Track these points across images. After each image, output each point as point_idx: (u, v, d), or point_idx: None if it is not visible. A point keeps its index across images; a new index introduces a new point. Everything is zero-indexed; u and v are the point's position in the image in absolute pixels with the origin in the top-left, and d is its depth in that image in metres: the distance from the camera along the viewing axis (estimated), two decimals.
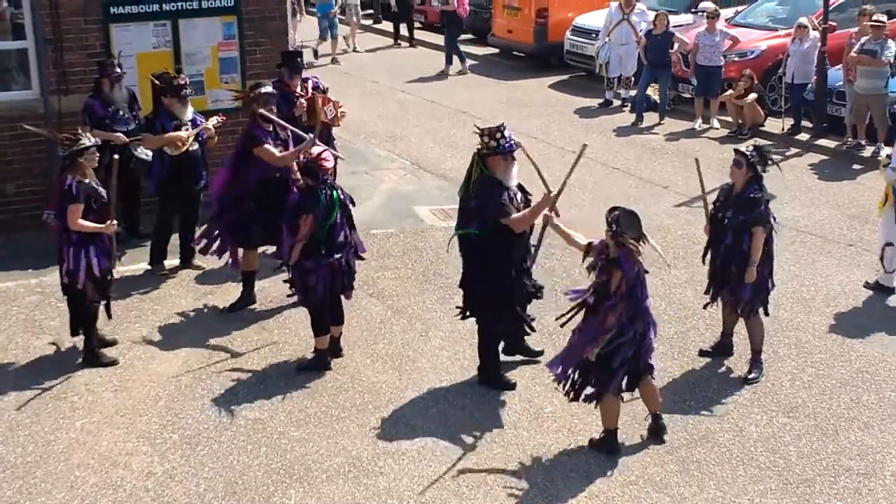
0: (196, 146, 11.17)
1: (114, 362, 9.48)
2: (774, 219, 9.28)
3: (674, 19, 18.76)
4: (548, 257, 11.48)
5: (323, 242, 9.04)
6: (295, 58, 12.03)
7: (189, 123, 11.16)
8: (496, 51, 23.70)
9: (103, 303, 9.47)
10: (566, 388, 8.19)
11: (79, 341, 9.54)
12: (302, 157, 9.64)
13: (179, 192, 11.25)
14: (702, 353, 9.69)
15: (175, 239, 11.47)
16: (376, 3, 27.67)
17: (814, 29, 16.50)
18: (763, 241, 9.05)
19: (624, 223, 7.78)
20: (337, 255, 9.12)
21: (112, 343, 9.76)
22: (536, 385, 9.04)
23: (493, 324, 8.99)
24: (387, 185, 14.61)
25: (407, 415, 8.74)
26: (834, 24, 16.81)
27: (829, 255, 12.09)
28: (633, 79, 18.94)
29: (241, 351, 9.77)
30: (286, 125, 10.71)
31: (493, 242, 8.70)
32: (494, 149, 8.70)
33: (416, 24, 25.72)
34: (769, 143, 16.08)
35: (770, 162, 9.33)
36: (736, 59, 17.99)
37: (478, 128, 8.94)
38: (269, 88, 10.68)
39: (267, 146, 10.33)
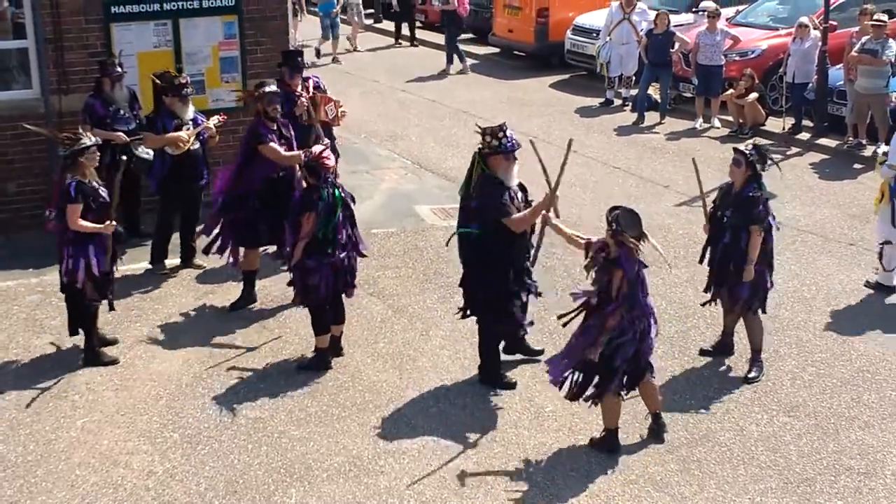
0: (197, 145, 11.17)
1: (114, 361, 9.49)
2: (773, 217, 9.29)
3: (675, 18, 18.76)
4: (548, 256, 11.48)
5: (326, 241, 9.04)
6: (296, 57, 12.02)
7: (190, 123, 11.16)
8: (497, 50, 23.70)
9: (104, 301, 9.48)
10: (567, 388, 8.19)
11: (79, 340, 9.54)
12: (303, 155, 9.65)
13: (180, 192, 11.25)
14: (702, 353, 9.70)
15: (176, 238, 11.48)
16: (377, 2, 27.67)
17: (814, 28, 16.50)
18: (761, 240, 9.06)
19: (624, 222, 7.78)
20: (340, 254, 9.13)
21: (113, 342, 9.77)
22: (537, 384, 9.04)
23: (494, 323, 8.99)
24: (387, 185, 14.61)
25: (407, 414, 8.74)
26: (835, 23, 16.81)
27: (829, 255, 12.09)
28: (633, 78, 18.95)
29: (242, 350, 9.77)
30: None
31: (493, 242, 8.70)
32: (496, 148, 8.70)
33: (417, 24, 25.72)
34: (770, 142, 16.06)
35: (769, 161, 9.34)
36: (737, 58, 17.99)
37: (479, 127, 8.94)
38: (273, 87, 10.68)
39: (272, 145, 10.34)
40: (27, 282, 11.05)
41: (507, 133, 8.71)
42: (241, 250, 10.58)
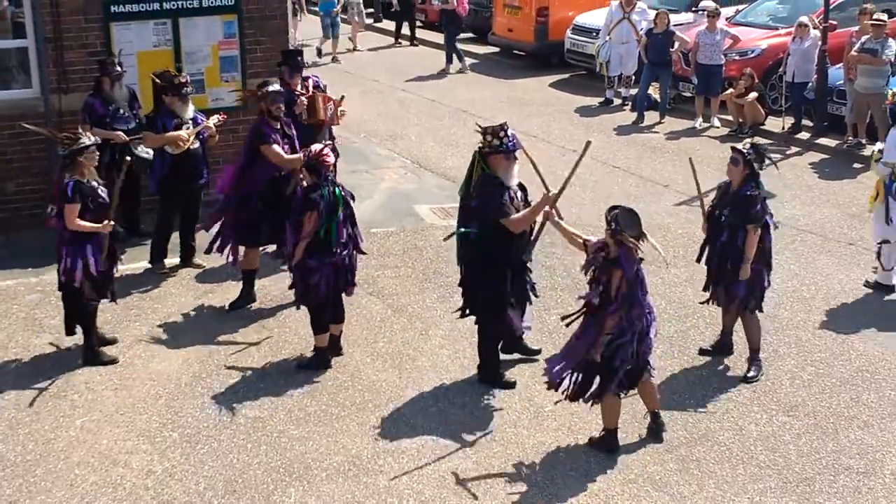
0: (197, 145, 11.17)
1: (114, 361, 9.49)
2: (771, 216, 9.29)
3: (674, 18, 18.76)
4: (548, 256, 11.49)
5: (328, 240, 9.03)
6: (295, 56, 12.03)
7: (190, 122, 11.16)
8: (497, 49, 23.69)
9: (105, 299, 9.48)
10: (565, 387, 8.18)
11: (79, 340, 9.54)
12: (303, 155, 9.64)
13: (180, 191, 11.25)
14: (702, 352, 9.70)
15: (175, 237, 11.48)
16: (377, 2, 27.66)
17: (814, 28, 16.50)
18: (758, 239, 9.07)
19: (624, 222, 7.78)
20: (342, 253, 9.14)
21: (112, 341, 9.77)
22: (536, 384, 9.04)
23: (493, 323, 8.99)
24: (387, 184, 14.61)
25: (407, 413, 8.74)
26: (834, 22, 16.81)
27: (829, 254, 12.09)
28: (633, 77, 18.94)
29: (241, 349, 9.77)
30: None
31: (493, 242, 8.69)
32: (497, 147, 8.69)
33: (417, 23, 25.71)
34: (770, 141, 16.08)
35: (766, 159, 9.35)
36: (736, 57, 17.98)
37: (480, 126, 8.93)
38: (277, 86, 10.69)
39: (274, 147, 10.33)
40: (27, 281, 11.05)
41: (508, 132, 8.70)
42: (241, 249, 10.59)
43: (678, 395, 9.00)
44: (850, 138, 15.86)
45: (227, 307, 10.56)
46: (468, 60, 22.30)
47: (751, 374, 9.28)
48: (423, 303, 10.75)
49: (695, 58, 17.45)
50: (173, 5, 12.77)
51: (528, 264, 9.04)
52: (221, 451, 8.20)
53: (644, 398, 8.35)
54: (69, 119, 11.80)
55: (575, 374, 8.11)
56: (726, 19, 18.66)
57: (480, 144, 8.79)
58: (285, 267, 10.05)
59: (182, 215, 11.39)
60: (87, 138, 9.26)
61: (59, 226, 9.18)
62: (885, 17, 15.52)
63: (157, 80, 11.32)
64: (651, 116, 17.91)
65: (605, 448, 8.16)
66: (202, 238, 11.19)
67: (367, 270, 10.97)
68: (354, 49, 24.58)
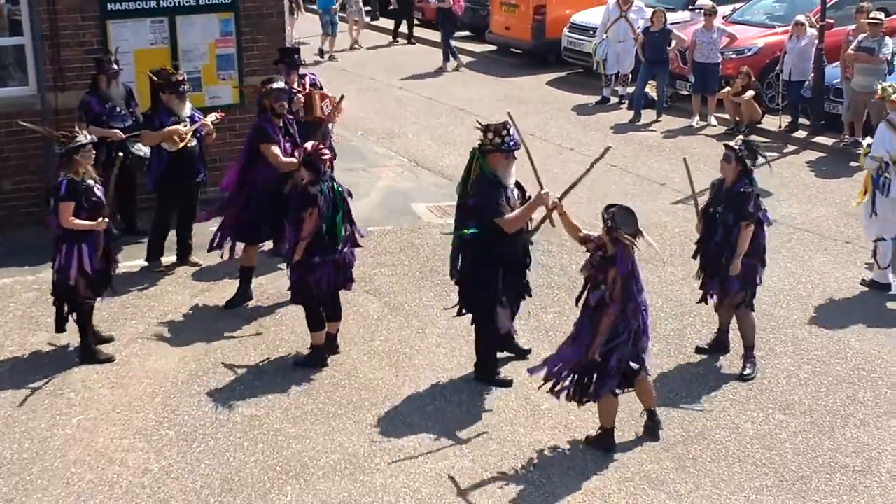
0: (194, 142, 11.16)
1: (110, 359, 9.48)
2: (765, 212, 9.30)
3: (671, 16, 18.76)
4: (546, 255, 11.49)
5: (330, 236, 9.03)
6: (292, 54, 12.02)
7: (187, 119, 11.15)
8: (494, 48, 23.68)
9: (100, 298, 9.48)
10: (567, 390, 8.17)
11: (75, 338, 9.53)
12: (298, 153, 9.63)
13: (177, 189, 11.23)
14: (698, 350, 9.71)
15: (172, 235, 11.47)
16: (374, 0, 27.65)
17: (811, 26, 16.50)
18: (751, 235, 9.07)
19: (620, 220, 7.78)
20: (343, 249, 9.14)
21: (108, 339, 9.76)
22: (533, 382, 9.01)
23: (490, 321, 8.98)
24: (384, 182, 14.60)
25: (404, 411, 8.74)
26: (831, 21, 16.82)
27: (825, 253, 12.10)
28: (630, 76, 18.94)
29: (238, 347, 9.77)
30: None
31: (490, 241, 8.68)
32: (498, 146, 8.67)
33: (414, 22, 25.69)
34: (766, 140, 16.10)
35: (759, 156, 9.35)
36: (733, 56, 17.98)
37: (481, 124, 8.91)
38: (281, 84, 10.68)
39: (273, 147, 10.30)
40: (23, 279, 11.04)
41: (510, 131, 8.68)
42: (239, 247, 10.58)
43: (674, 393, 9.01)
44: (847, 137, 15.87)
45: (223, 305, 10.56)
46: (465, 58, 22.27)
47: (746, 371, 9.29)
48: (419, 301, 10.75)
49: (692, 56, 17.46)
50: (170, 3, 12.75)
51: (527, 264, 9.04)
52: (218, 449, 8.19)
53: (640, 396, 8.35)
54: (66, 117, 11.80)
55: (573, 375, 8.10)
56: (723, 17, 18.68)
57: (480, 141, 8.77)
58: (283, 265, 10.03)
59: (179, 213, 11.38)
60: (84, 136, 9.26)
61: (53, 224, 9.18)
62: (881, 15, 15.52)
63: (155, 78, 11.31)
64: (648, 115, 17.91)
65: (602, 446, 8.16)
66: (199, 236, 11.18)
67: (363, 269, 10.97)
68: (355, 46, 24.51)
